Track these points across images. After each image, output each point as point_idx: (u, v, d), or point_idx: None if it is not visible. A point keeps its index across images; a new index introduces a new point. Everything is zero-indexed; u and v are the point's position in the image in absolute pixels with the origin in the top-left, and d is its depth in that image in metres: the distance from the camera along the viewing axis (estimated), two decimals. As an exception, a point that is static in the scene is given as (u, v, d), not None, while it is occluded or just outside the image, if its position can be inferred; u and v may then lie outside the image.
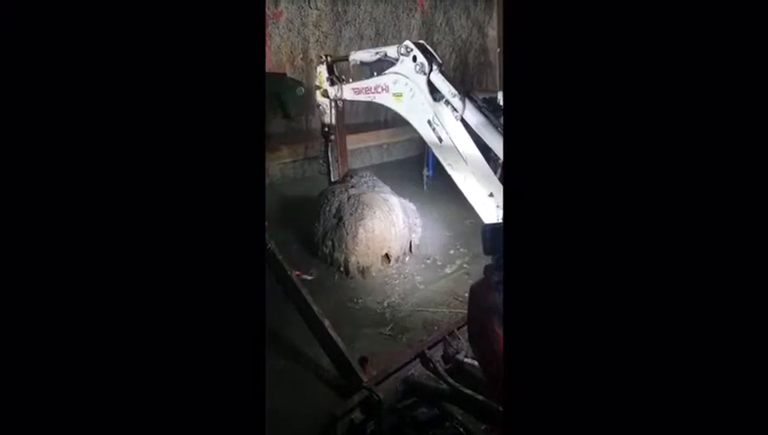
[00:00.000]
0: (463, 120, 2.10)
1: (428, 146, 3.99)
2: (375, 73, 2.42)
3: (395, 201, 2.90)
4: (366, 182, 3.09)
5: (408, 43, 2.22)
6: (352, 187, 2.98)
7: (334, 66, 2.82)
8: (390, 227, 2.74)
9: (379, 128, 4.47)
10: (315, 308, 1.86)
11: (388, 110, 4.63)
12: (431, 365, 1.69)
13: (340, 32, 3.96)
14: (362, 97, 2.58)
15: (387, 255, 2.76)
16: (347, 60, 2.68)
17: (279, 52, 3.57)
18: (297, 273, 2.26)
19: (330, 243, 2.76)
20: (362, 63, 2.60)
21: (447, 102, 2.11)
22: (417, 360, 1.72)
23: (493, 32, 5.46)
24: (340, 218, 2.75)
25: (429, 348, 1.74)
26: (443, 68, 2.19)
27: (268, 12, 3.50)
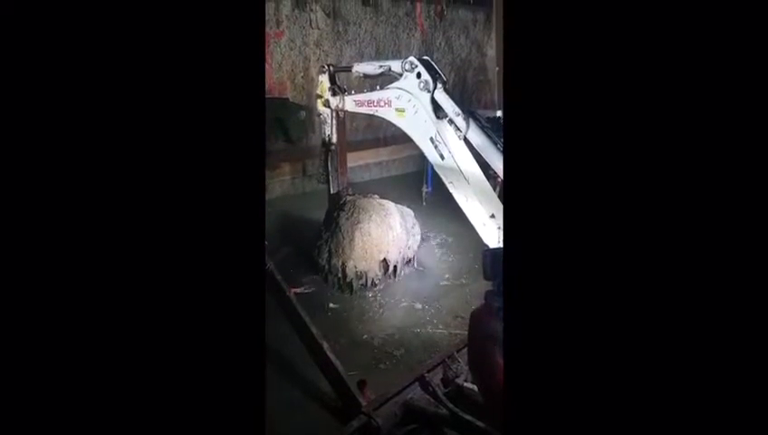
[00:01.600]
0: (466, 140, 2.08)
1: (428, 162, 4.06)
2: (378, 87, 2.41)
3: (391, 206, 2.86)
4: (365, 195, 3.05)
5: (412, 59, 2.18)
6: (350, 195, 2.95)
7: (336, 76, 2.81)
8: (388, 231, 2.70)
9: (379, 145, 4.50)
10: (314, 330, 1.83)
11: (387, 127, 4.68)
12: (430, 389, 1.66)
13: (341, 51, 4.02)
14: (364, 110, 2.55)
15: (385, 260, 2.71)
16: (350, 71, 2.67)
17: (280, 70, 3.61)
18: (294, 290, 2.25)
19: (326, 249, 2.72)
20: (365, 76, 2.57)
21: (451, 121, 2.09)
22: (417, 383, 1.69)
23: (491, 51, 5.55)
24: (336, 224, 2.72)
25: (429, 371, 1.72)
26: (447, 86, 2.17)
27: (270, 31, 3.55)
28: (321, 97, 2.82)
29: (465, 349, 1.65)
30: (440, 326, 2.44)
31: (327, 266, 2.73)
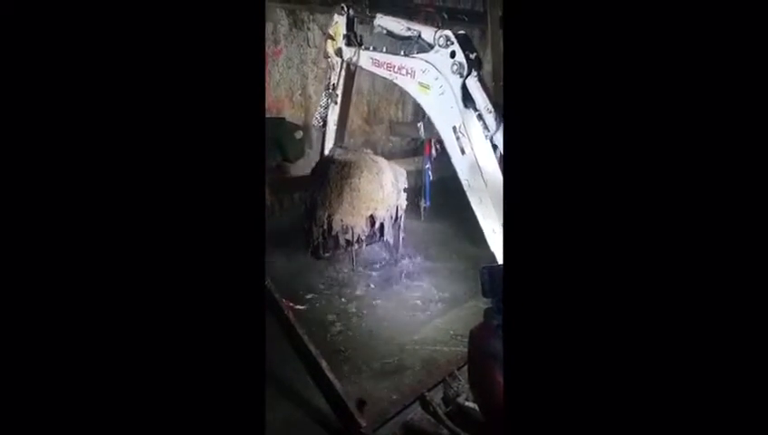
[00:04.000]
0: (492, 141, 1.88)
1: (426, 177, 4.07)
2: (402, 52, 2.14)
3: (384, 164, 2.77)
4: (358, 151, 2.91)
5: (448, 33, 1.90)
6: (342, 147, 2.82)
7: (355, 23, 2.44)
8: (378, 189, 2.62)
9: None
10: (312, 348, 1.81)
11: (384, 144, 4.71)
12: (431, 409, 1.64)
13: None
14: (381, 72, 2.26)
15: (372, 216, 2.64)
16: (371, 21, 2.32)
17: (278, 88, 3.66)
18: (289, 304, 2.22)
19: (311, 200, 2.61)
20: (388, 33, 2.25)
21: (480, 117, 1.86)
22: (417, 403, 1.66)
23: (488, 66, 5.63)
24: (325, 176, 2.59)
25: (429, 390, 1.69)
26: (482, 74, 1.91)
27: (268, 50, 3.61)
28: (333, 40, 2.47)
29: (466, 367, 1.63)
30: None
31: (312, 218, 2.60)
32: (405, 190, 2.84)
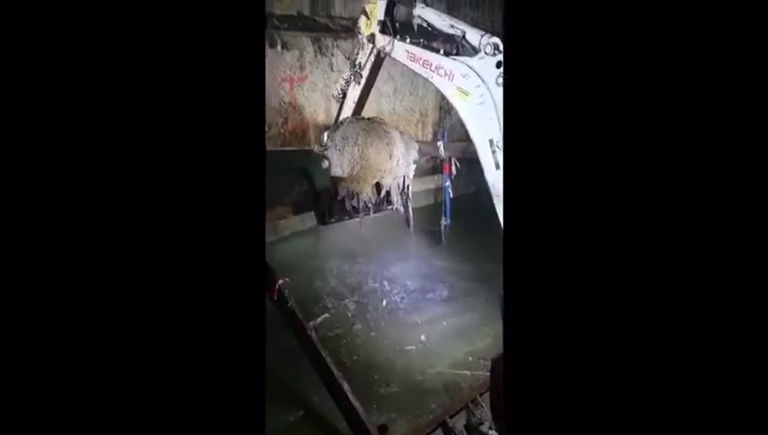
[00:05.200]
0: None
1: (446, 194, 4.08)
2: (441, 51, 1.98)
3: (396, 135, 2.72)
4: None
5: (497, 40, 1.82)
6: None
7: (395, 10, 2.23)
8: (387, 159, 2.58)
9: (397, 179, 4.57)
10: (335, 370, 1.83)
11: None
12: (453, 436, 1.63)
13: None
14: (416, 67, 2.07)
15: (378, 184, 2.61)
16: (411, 10, 2.13)
17: (303, 111, 3.78)
18: (309, 324, 2.24)
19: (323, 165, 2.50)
20: (428, 26, 2.07)
21: None
22: (439, 430, 1.65)
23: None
24: (334, 141, 2.52)
25: (451, 416, 1.68)
26: None
27: (293, 75, 3.75)
28: (368, 20, 2.27)
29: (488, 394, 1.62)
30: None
31: (319, 180, 2.52)
32: (415, 162, 2.80)
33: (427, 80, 4.79)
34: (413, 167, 2.80)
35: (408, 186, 2.79)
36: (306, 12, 3.66)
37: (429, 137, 4.74)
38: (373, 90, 4.28)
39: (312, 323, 2.56)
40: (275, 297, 1.92)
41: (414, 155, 2.81)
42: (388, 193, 2.65)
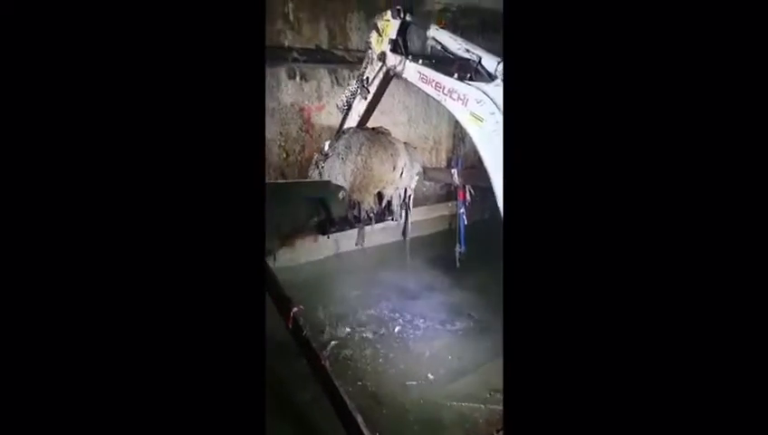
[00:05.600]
0: None
1: (461, 221, 4.07)
2: (455, 74, 1.94)
3: (401, 147, 2.69)
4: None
5: None
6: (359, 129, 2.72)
7: (408, 30, 2.22)
8: (390, 170, 2.54)
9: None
10: (348, 402, 1.80)
11: (419, 187, 4.79)
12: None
13: (376, 120, 4.29)
14: (427, 89, 2.06)
15: (380, 193, 2.57)
16: (425, 31, 2.10)
17: (320, 139, 3.88)
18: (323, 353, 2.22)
19: (320, 173, 2.49)
20: (442, 48, 2.06)
21: None
22: (455, 464, 1.60)
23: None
24: (337, 150, 2.50)
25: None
26: None
27: (311, 105, 3.87)
28: (379, 36, 2.24)
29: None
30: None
31: (336, 210, 2.46)
32: (418, 174, 2.81)
33: (440, 108, 4.89)
34: (416, 178, 2.81)
35: (409, 196, 2.78)
36: (325, 45, 3.82)
37: (443, 164, 4.79)
38: (388, 118, 4.39)
39: (325, 353, 2.56)
40: (290, 326, 1.93)
41: (417, 167, 2.81)
42: (389, 203, 2.64)
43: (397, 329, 3.02)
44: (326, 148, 2.53)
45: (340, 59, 3.89)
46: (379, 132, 2.68)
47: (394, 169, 2.60)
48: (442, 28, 2.06)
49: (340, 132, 2.67)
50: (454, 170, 4.06)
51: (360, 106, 2.60)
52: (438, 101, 2.03)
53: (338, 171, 2.43)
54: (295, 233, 1.46)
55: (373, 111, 2.68)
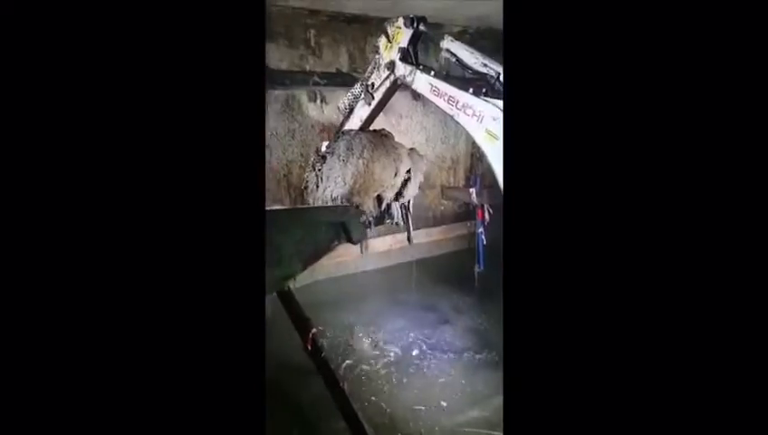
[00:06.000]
0: None
1: (480, 240, 4.04)
2: (471, 90, 1.84)
3: (404, 152, 2.57)
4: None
5: None
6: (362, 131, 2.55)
7: (419, 40, 2.08)
8: (391, 176, 2.42)
9: (429, 225, 4.60)
10: (367, 427, 1.78)
11: (437, 206, 4.80)
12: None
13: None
14: (439, 103, 1.94)
15: (379, 196, 2.45)
16: (438, 43, 1.98)
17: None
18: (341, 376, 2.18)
19: (318, 175, 2.37)
20: (457, 61, 1.94)
21: None
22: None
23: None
24: (337, 152, 2.38)
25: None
26: None
27: (331, 126, 3.96)
28: (389, 43, 2.10)
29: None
30: None
31: (314, 192, 2.39)
32: (420, 185, 2.68)
33: (458, 128, 4.92)
34: (418, 184, 2.68)
35: (409, 201, 2.67)
36: (345, 69, 3.92)
37: (461, 183, 4.79)
38: (406, 139, 4.44)
39: (340, 372, 2.54)
40: (309, 347, 1.93)
41: (420, 177, 2.69)
42: (388, 206, 2.53)
43: (414, 352, 2.98)
44: (323, 149, 2.42)
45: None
46: (382, 135, 2.54)
47: (396, 174, 2.49)
48: (457, 40, 1.96)
49: (338, 134, 2.54)
50: (472, 190, 4.06)
51: (362, 111, 2.46)
52: (451, 116, 1.92)
53: (337, 173, 2.32)
54: (317, 257, 1.48)
55: (376, 117, 2.54)
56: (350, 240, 1.64)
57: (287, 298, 1.96)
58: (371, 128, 2.57)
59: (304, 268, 1.51)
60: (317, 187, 2.37)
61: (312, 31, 3.75)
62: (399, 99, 4.41)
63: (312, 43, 3.78)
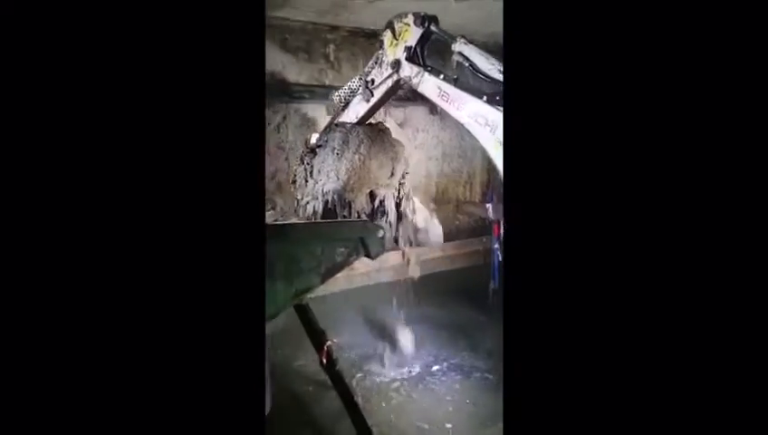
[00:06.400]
0: None
1: (495, 256, 3.99)
2: (484, 97, 1.70)
3: (401, 151, 2.45)
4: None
5: None
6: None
7: (430, 39, 1.90)
8: (388, 176, 2.32)
9: (444, 240, 4.57)
10: (381, 445, 1.75)
11: (452, 221, 4.78)
12: None
13: (410, 154, 4.36)
14: (448, 108, 1.80)
15: (372, 192, 2.34)
16: (449, 45, 1.80)
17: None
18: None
19: (305, 170, 2.25)
20: (470, 66, 1.76)
21: None
22: None
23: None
24: (332, 145, 2.23)
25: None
26: None
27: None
28: (394, 39, 1.93)
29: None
30: None
31: (304, 186, 2.30)
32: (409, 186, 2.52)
33: (474, 142, 4.92)
34: (408, 183, 2.53)
35: (401, 198, 2.53)
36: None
37: (477, 198, 4.77)
38: (423, 153, 4.45)
39: (355, 385, 2.51)
40: (325, 360, 1.92)
41: (419, 168, 2.49)
42: (381, 202, 2.42)
43: (418, 369, 2.93)
44: (313, 141, 2.30)
45: (378, 95, 4.03)
46: (379, 130, 2.38)
47: (393, 174, 2.37)
48: (471, 43, 1.80)
49: (330, 126, 2.39)
50: (488, 205, 4.03)
51: (359, 107, 2.27)
52: (473, 140, 1.83)
53: (330, 167, 2.18)
54: (335, 271, 1.49)
55: (373, 115, 2.39)
56: (368, 255, 1.63)
57: (304, 312, 1.96)
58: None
59: (322, 282, 1.51)
60: (306, 181, 2.27)
61: (332, 46, 3.82)
62: (416, 112, 4.45)
63: (332, 58, 3.84)
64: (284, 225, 1.81)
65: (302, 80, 3.72)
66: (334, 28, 3.73)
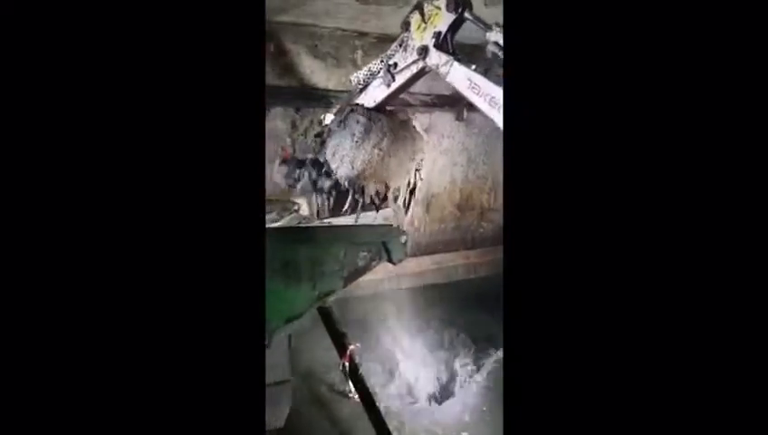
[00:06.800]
0: None
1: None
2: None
3: (421, 147, 2.32)
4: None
5: None
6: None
7: (460, 26, 1.75)
8: (404, 173, 2.24)
9: (467, 247, 4.52)
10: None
11: (476, 228, 4.71)
12: None
13: (435, 160, 4.34)
14: (479, 102, 1.65)
15: (385, 183, 2.23)
16: (483, 34, 1.69)
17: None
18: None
19: (326, 151, 2.15)
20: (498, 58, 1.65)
21: None
22: None
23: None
24: (353, 134, 2.11)
25: None
26: None
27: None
28: (423, 22, 1.79)
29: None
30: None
31: (319, 167, 2.20)
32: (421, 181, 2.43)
33: (501, 149, 4.81)
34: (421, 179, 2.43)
35: (411, 190, 2.41)
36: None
37: (501, 205, 4.69)
38: (448, 158, 4.42)
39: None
40: (347, 363, 1.92)
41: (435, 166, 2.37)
42: (396, 196, 2.32)
43: (435, 375, 2.89)
44: (326, 121, 2.19)
45: (405, 102, 4.04)
46: (403, 123, 2.27)
47: (408, 172, 2.27)
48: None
49: (346, 107, 2.25)
50: (513, 213, 3.96)
51: (378, 91, 2.10)
52: (494, 119, 1.61)
53: (346, 153, 2.05)
54: (358, 275, 1.50)
55: (392, 101, 2.24)
56: (390, 260, 1.63)
57: (326, 314, 1.97)
58: (388, 108, 2.24)
59: (345, 286, 1.52)
60: (322, 165, 2.17)
61: (360, 52, 3.86)
62: (442, 118, 4.43)
63: (360, 63, 3.89)
64: (307, 227, 1.83)
65: (331, 85, 3.78)
66: (362, 35, 3.78)
